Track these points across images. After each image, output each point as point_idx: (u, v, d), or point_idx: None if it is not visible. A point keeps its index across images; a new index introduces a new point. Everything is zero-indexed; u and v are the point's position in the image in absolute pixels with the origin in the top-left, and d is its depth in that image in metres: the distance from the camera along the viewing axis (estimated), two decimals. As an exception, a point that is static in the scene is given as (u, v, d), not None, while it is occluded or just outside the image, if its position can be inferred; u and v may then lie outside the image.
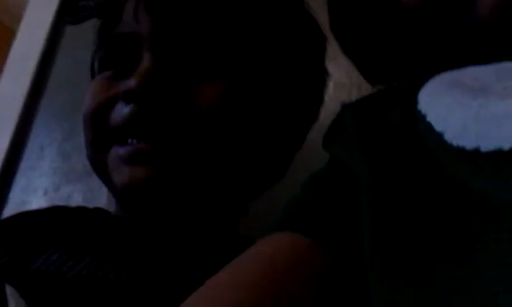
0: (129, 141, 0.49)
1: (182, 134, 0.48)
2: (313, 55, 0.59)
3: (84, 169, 0.96)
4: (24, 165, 1.08)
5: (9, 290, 0.40)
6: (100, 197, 0.88)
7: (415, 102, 0.40)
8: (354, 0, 0.52)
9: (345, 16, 0.54)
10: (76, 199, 0.95)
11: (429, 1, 0.46)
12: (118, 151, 0.49)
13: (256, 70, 0.53)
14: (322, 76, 0.60)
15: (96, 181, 0.90)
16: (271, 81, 0.54)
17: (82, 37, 1.13)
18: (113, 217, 0.54)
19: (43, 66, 1.15)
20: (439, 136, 0.34)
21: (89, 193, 0.94)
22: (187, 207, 0.51)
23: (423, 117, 0.37)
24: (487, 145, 0.31)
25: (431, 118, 0.36)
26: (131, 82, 0.48)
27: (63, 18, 1.16)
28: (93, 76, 0.55)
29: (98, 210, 0.56)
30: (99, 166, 0.52)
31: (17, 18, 1.29)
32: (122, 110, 0.49)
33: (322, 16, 0.57)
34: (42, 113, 1.12)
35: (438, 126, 0.35)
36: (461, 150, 0.32)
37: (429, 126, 0.36)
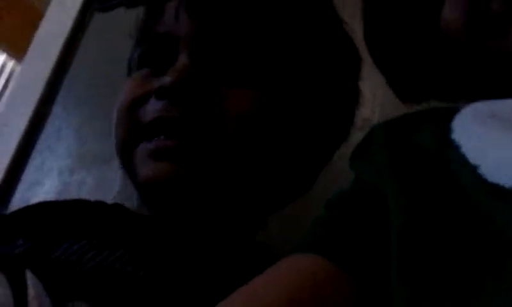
0: (157, 137, 0.49)
1: (208, 136, 0.49)
2: (348, 74, 0.59)
3: (99, 154, 0.97)
4: (40, 145, 1.09)
5: (29, 275, 0.40)
6: (112, 184, 0.88)
7: (448, 129, 0.39)
8: (392, 14, 0.52)
9: (382, 30, 0.53)
10: (89, 183, 0.96)
11: (471, 32, 0.46)
12: (145, 146, 0.50)
13: (290, 84, 0.53)
14: (355, 95, 0.59)
15: (110, 169, 0.91)
16: (303, 96, 0.54)
17: (108, 24, 1.14)
18: (133, 213, 0.55)
19: (67, 50, 1.16)
20: (473, 169, 0.34)
21: (103, 180, 0.94)
22: (206, 209, 0.52)
23: (457, 147, 0.37)
24: None
25: (466, 149, 0.36)
26: (165, 79, 0.49)
27: (92, 5, 1.17)
28: (129, 73, 0.57)
29: (117, 206, 0.56)
30: (127, 160, 0.53)
31: (46, 1, 1.31)
32: (154, 107, 0.50)
33: (353, 24, 0.57)
34: (62, 95, 1.13)
35: (473, 159, 0.35)
36: (495, 186, 0.32)
37: (463, 157, 0.36)
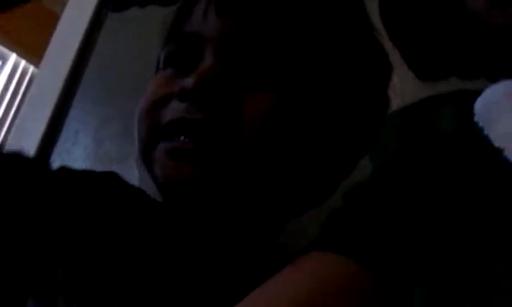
0: (177, 137, 0.49)
1: (227, 140, 0.49)
2: (376, 83, 0.57)
3: (117, 156, 0.97)
4: (58, 148, 1.09)
5: None
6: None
7: (470, 111, 0.38)
8: None
9: (400, 4, 0.52)
10: (107, 185, 0.96)
11: (492, 6, 0.44)
12: (164, 145, 0.50)
13: (315, 91, 0.52)
14: (383, 104, 0.58)
15: (128, 169, 0.91)
16: (328, 103, 0.53)
17: (123, 24, 1.15)
18: (157, 203, 0.55)
19: (83, 52, 1.17)
20: (497, 152, 0.33)
21: (121, 180, 0.95)
22: (224, 211, 0.51)
23: (480, 130, 0.36)
24: None
25: (490, 132, 0.35)
26: (188, 81, 0.48)
27: (106, 5, 1.17)
28: (156, 72, 0.56)
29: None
30: (147, 160, 0.53)
31: (62, 3, 1.31)
32: (175, 107, 0.50)
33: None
34: (78, 98, 1.13)
35: (497, 142, 0.34)
36: None
37: (486, 140, 0.35)
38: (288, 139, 0.50)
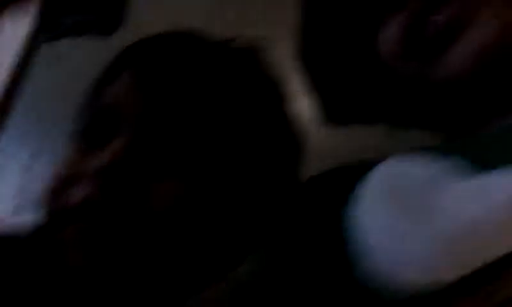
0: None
1: (127, 229, 0.46)
2: (286, 164, 0.56)
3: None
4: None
5: None
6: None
7: (352, 193, 0.41)
8: (330, 34, 0.53)
9: (318, 49, 0.54)
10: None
11: (406, 58, 0.47)
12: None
13: (223, 174, 0.51)
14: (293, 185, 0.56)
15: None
16: (237, 186, 0.52)
17: (56, 56, 1.12)
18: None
19: (13, 83, 1.13)
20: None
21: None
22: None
23: (353, 220, 0.39)
24: None
25: (361, 227, 0.38)
26: (102, 159, 0.46)
27: (39, 36, 1.14)
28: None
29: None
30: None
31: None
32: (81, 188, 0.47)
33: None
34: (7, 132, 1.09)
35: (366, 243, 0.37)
36: None
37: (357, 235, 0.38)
38: (192, 225, 0.49)
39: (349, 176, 0.44)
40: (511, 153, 0.40)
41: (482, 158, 0.40)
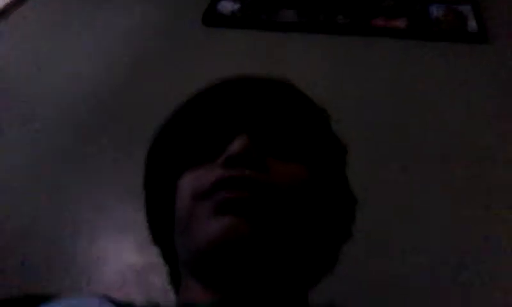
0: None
1: (270, 194, 0.50)
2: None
3: None
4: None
5: None
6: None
7: None
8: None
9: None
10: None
11: None
12: (209, 201, 0.50)
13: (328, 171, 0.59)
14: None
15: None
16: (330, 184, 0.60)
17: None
18: None
19: None
20: None
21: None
22: (271, 275, 0.51)
23: None
24: None
25: None
26: (232, 148, 0.51)
27: None
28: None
29: None
30: (184, 234, 0.53)
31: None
32: (219, 174, 0.51)
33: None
34: None
35: None
36: None
37: None
38: (309, 208, 0.54)
39: None
40: None
41: None
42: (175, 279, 0.61)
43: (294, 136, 0.57)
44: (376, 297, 0.91)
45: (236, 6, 1.49)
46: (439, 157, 1.12)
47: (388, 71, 1.24)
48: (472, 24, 1.44)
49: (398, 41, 1.30)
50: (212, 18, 1.40)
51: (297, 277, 0.54)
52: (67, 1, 1.53)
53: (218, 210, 0.48)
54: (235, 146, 0.51)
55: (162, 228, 0.60)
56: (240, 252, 0.47)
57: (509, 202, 1.05)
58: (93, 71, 1.29)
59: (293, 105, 0.60)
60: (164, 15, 1.33)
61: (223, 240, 0.47)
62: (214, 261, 0.48)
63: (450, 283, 0.95)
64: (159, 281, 0.94)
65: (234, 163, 0.51)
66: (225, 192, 0.49)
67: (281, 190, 0.51)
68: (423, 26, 1.44)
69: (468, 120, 1.17)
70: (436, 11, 1.51)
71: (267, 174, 0.52)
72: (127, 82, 1.25)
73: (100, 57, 1.31)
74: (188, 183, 0.54)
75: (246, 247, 0.47)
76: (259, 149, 0.53)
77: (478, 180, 1.08)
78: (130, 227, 1.04)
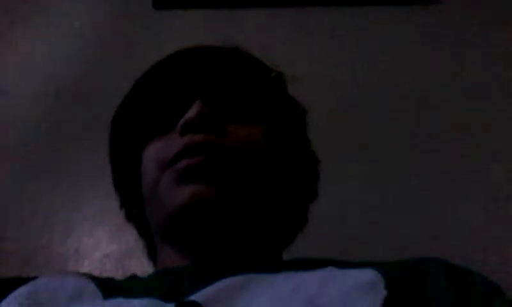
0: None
1: (230, 156, 0.53)
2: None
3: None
4: None
5: None
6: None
7: None
8: None
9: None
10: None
11: None
12: (173, 169, 0.53)
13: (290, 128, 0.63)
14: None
15: None
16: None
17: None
18: None
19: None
20: None
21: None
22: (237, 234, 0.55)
23: None
24: None
25: None
26: (189, 114, 0.54)
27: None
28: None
29: None
30: (153, 199, 0.56)
31: None
32: (178, 144, 0.54)
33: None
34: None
35: None
36: None
37: None
38: (270, 162, 0.57)
39: None
40: None
41: None
42: (151, 251, 0.63)
43: (248, 98, 0.59)
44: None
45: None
46: (390, 117, 1.14)
47: (336, 41, 1.25)
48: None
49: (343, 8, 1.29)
50: (163, 0, 1.38)
51: (267, 236, 0.57)
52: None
53: (181, 179, 0.51)
54: (191, 112, 0.54)
55: (132, 201, 0.62)
56: (206, 214, 0.51)
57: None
58: (50, 65, 1.28)
59: (246, 69, 0.62)
60: (113, 1, 1.31)
61: (189, 204, 0.51)
62: (183, 225, 0.52)
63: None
64: (137, 265, 0.95)
65: (191, 129, 0.53)
66: (186, 160, 0.52)
67: (239, 150, 0.54)
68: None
69: (414, 79, 1.19)
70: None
71: (224, 137, 0.54)
72: (85, 72, 1.24)
73: (54, 52, 1.30)
74: (151, 154, 0.56)
75: (212, 209, 0.51)
76: (215, 114, 0.55)
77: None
78: (105, 216, 1.05)
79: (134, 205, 0.62)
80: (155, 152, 0.56)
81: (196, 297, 0.44)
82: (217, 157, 0.52)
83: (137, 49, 1.22)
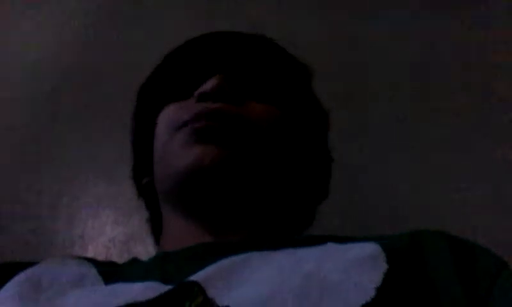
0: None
1: (243, 128, 0.55)
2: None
3: None
4: None
5: None
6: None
7: None
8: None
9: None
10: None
11: None
12: (188, 128, 0.54)
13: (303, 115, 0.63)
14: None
15: None
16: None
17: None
18: None
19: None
20: None
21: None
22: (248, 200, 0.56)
23: None
24: None
25: None
26: (206, 86, 0.55)
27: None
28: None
29: None
30: (164, 159, 0.57)
31: None
32: (193, 108, 0.55)
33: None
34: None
35: None
36: None
37: None
38: (280, 147, 0.58)
39: None
40: None
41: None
42: (156, 230, 0.64)
43: (269, 81, 0.60)
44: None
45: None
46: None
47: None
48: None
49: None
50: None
51: (270, 217, 0.58)
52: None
53: (195, 138, 0.53)
54: (209, 83, 0.55)
55: (143, 169, 0.63)
56: (214, 175, 0.52)
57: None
58: (50, 48, 1.27)
59: (272, 54, 0.64)
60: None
61: (197, 164, 0.52)
62: (190, 185, 0.54)
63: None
64: (142, 249, 0.96)
65: (208, 98, 0.55)
66: (203, 121, 0.53)
67: (255, 123, 0.55)
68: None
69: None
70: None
71: (242, 108, 0.55)
72: (85, 60, 1.23)
73: (56, 36, 1.29)
74: (166, 116, 0.58)
75: (220, 171, 0.52)
76: (235, 88, 0.57)
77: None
78: (109, 201, 1.06)
79: (145, 173, 0.63)
80: (169, 114, 0.58)
81: (196, 276, 0.44)
82: (228, 123, 0.53)
83: (132, 31, 1.21)
